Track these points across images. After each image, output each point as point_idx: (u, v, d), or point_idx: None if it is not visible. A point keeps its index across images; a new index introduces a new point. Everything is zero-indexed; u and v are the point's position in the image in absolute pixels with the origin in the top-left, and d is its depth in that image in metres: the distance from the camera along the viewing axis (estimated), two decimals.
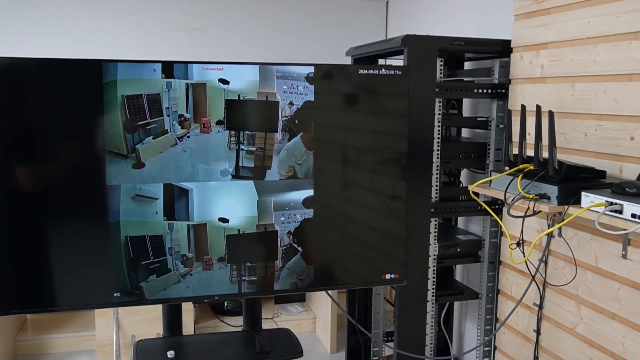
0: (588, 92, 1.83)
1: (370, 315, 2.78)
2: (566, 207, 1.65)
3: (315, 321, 3.37)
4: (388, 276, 1.98)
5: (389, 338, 2.83)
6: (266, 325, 3.19)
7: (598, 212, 1.52)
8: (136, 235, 1.74)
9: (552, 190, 1.67)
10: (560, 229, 1.93)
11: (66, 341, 3.07)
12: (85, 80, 1.65)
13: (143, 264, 1.76)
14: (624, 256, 1.67)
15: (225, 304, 3.33)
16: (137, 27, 3.36)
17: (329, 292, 2.25)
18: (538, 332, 2.07)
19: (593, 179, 1.72)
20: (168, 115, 1.74)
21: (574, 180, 1.69)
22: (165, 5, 3.40)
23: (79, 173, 1.68)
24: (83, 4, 3.27)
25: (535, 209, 1.70)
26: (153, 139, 1.73)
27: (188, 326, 3.01)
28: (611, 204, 1.50)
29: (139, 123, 1.72)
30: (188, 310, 3.01)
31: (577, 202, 1.64)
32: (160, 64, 1.70)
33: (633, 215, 1.44)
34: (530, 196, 1.72)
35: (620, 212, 1.48)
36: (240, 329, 2.16)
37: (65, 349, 3.06)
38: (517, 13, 2.15)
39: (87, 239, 1.70)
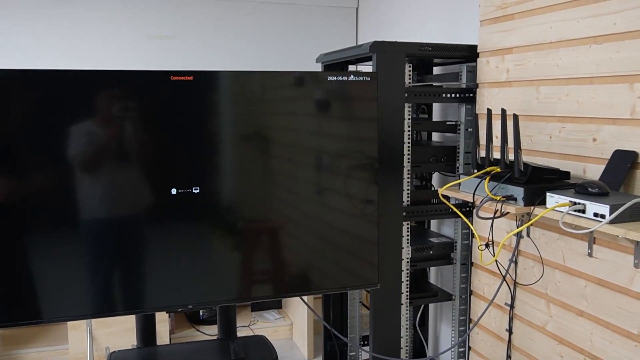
0: (552, 95, 1.88)
1: (346, 319, 2.79)
2: (532, 207, 1.68)
3: (292, 327, 3.37)
4: (362, 280, 2.00)
5: (365, 342, 2.85)
6: (243, 332, 3.18)
7: (562, 212, 1.56)
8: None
9: (518, 191, 1.71)
10: (528, 229, 1.97)
11: (39, 356, 3.01)
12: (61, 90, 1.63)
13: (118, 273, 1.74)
14: (590, 254, 1.72)
15: (201, 313, 3.31)
16: (106, 35, 3.34)
17: (304, 297, 2.25)
18: (510, 331, 2.11)
19: (558, 179, 1.76)
20: None
21: (539, 182, 1.73)
22: (134, 14, 3.38)
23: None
24: (50, 13, 3.24)
25: (503, 211, 1.73)
26: None
27: (164, 336, 2.99)
28: (574, 203, 1.54)
29: None
30: (163, 321, 2.98)
31: (542, 202, 1.68)
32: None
33: (595, 215, 1.48)
34: (498, 198, 1.75)
35: (584, 211, 1.51)
36: (216, 337, 2.15)
37: None
38: (483, 19, 2.19)
39: (60, 251, 1.68)
